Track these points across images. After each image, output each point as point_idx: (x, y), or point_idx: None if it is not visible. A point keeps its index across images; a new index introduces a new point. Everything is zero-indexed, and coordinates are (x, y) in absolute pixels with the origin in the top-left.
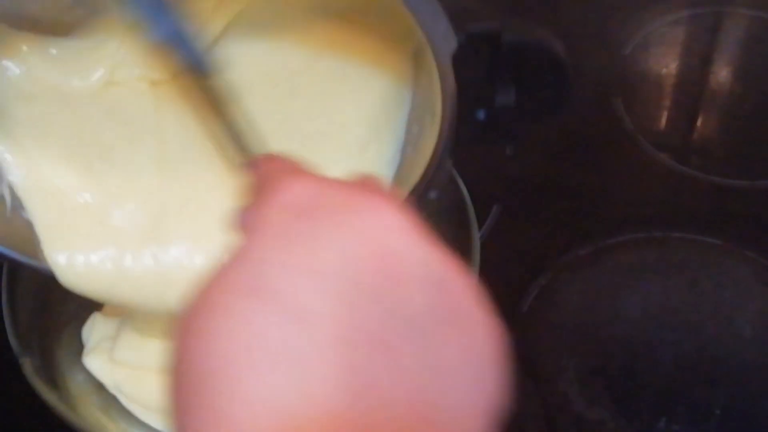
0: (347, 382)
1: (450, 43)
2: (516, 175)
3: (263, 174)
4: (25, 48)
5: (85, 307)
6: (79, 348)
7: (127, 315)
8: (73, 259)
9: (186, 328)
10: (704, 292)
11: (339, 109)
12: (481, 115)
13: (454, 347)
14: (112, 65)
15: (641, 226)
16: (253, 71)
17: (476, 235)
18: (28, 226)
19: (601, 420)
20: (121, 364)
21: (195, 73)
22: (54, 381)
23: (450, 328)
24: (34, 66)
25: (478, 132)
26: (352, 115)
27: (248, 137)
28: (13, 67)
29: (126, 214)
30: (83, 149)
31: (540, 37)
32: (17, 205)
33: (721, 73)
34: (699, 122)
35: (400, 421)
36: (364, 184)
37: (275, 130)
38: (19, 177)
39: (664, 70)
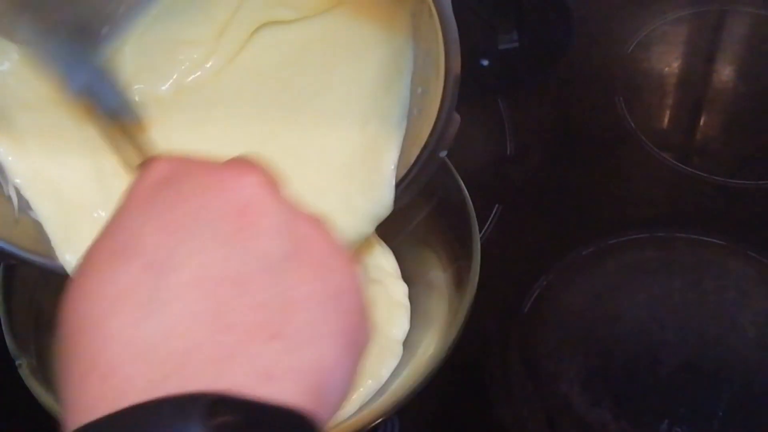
0: (203, 317)
1: None
2: (517, 175)
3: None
4: (16, 57)
5: None
6: None
7: None
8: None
9: (67, 295)
10: (707, 293)
11: (339, 83)
12: (484, 62)
13: (308, 285)
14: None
15: (643, 226)
16: (256, 55)
17: (477, 236)
18: (37, 225)
19: (603, 422)
20: None
21: (117, 118)
22: (51, 382)
23: (305, 270)
24: (28, 75)
25: (482, 80)
26: (353, 89)
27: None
28: (9, 76)
29: None
30: (85, 152)
31: None
32: (24, 205)
33: (724, 72)
34: (701, 121)
35: (256, 344)
36: (235, 161)
37: (280, 115)
38: (24, 179)
39: (667, 69)
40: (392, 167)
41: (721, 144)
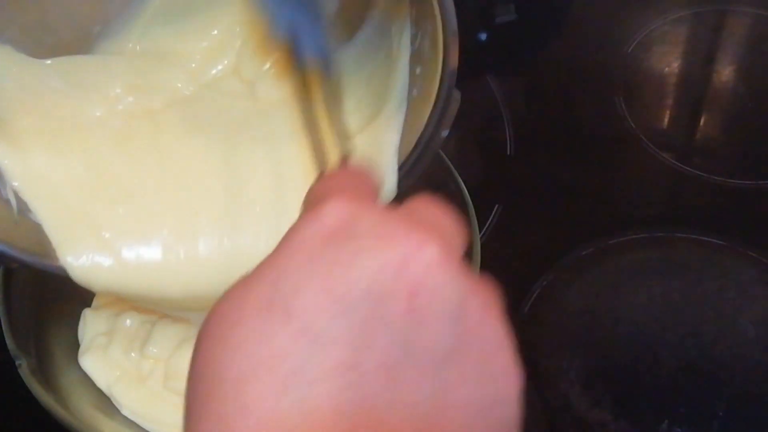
0: (347, 405)
1: None
2: (517, 175)
3: (317, 190)
4: (21, 64)
5: (83, 306)
6: (76, 348)
7: (121, 311)
8: (85, 259)
9: (204, 336)
10: (707, 293)
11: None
12: (482, 36)
13: (467, 389)
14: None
15: (643, 227)
16: None
17: (477, 236)
18: (37, 227)
19: (603, 422)
20: (115, 364)
21: (318, 69)
22: (51, 383)
23: (467, 369)
24: (32, 81)
25: (481, 55)
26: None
27: (334, 143)
28: (14, 85)
29: (131, 211)
30: (87, 160)
31: None
32: (24, 207)
33: (724, 72)
34: (702, 121)
35: None
36: (414, 213)
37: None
38: (22, 181)
39: (667, 69)
40: (394, 150)
41: (721, 144)
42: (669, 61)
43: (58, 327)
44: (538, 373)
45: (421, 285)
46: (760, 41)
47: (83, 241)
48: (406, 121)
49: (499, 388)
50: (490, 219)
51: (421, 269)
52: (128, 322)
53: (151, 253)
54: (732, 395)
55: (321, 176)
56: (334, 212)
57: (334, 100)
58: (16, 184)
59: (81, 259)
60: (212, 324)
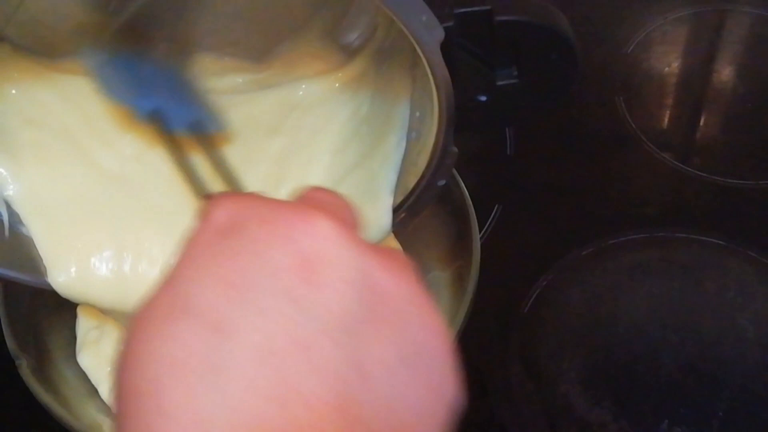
0: (268, 389)
1: (435, 33)
2: (517, 174)
3: (205, 203)
4: (30, 75)
5: None
6: (75, 347)
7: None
8: (74, 274)
9: (122, 351)
10: (707, 293)
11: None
12: (482, 97)
13: (386, 346)
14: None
15: (643, 227)
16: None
17: (477, 236)
18: (29, 242)
19: (603, 422)
20: (106, 359)
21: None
22: (50, 382)
23: (383, 328)
24: (39, 94)
25: (480, 115)
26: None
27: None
28: (17, 93)
29: (125, 228)
30: (82, 175)
31: (536, 13)
32: (16, 221)
33: (724, 72)
34: (702, 121)
35: (327, 424)
36: (304, 199)
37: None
38: (18, 195)
39: (667, 69)
40: (389, 186)
41: (721, 144)
42: (669, 61)
43: (57, 327)
44: (537, 373)
45: (314, 255)
46: (760, 41)
47: (74, 257)
48: (404, 161)
49: (422, 344)
50: (490, 219)
51: (310, 241)
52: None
53: (139, 269)
54: (732, 395)
55: (207, 196)
56: (223, 212)
57: (214, 150)
58: (9, 194)
59: (66, 276)
60: (126, 340)
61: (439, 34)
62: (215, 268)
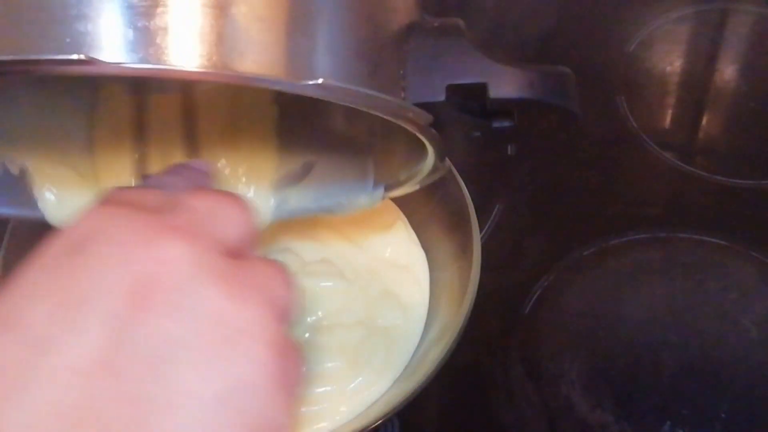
0: (69, 413)
1: (424, 117)
2: (518, 174)
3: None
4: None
5: None
6: None
7: None
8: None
9: None
10: (709, 293)
11: None
12: (476, 134)
13: (204, 379)
14: None
15: (645, 227)
16: None
17: (477, 236)
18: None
19: (604, 423)
20: None
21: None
22: None
23: (205, 360)
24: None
25: (475, 145)
26: None
27: None
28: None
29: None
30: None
31: (534, 85)
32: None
33: (727, 71)
34: (704, 121)
35: None
36: (181, 212)
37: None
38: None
39: (669, 68)
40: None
41: (723, 143)
42: (671, 61)
43: None
44: (538, 374)
45: (149, 280)
46: (763, 40)
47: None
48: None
49: (241, 375)
50: (490, 219)
51: (152, 265)
52: None
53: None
54: (734, 396)
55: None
56: (79, 225)
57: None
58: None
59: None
60: None
61: (429, 117)
62: (49, 285)
